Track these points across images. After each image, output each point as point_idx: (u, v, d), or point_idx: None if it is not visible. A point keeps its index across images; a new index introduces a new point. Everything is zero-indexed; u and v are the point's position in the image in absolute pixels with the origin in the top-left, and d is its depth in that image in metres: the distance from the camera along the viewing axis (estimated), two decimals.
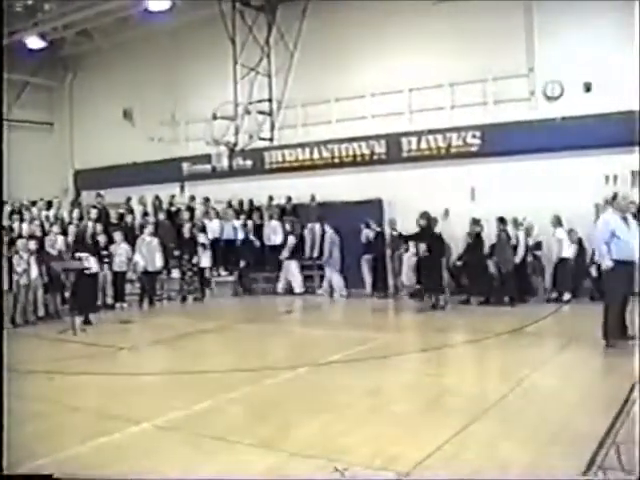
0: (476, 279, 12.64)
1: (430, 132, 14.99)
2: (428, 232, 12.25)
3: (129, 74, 19.22)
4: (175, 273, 14.65)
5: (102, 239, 13.21)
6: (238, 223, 15.71)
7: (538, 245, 13.03)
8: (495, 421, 5.18)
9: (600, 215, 9.43)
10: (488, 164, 14.09)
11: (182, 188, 18.00)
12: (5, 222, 13.17)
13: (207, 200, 16.65)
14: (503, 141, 13.86)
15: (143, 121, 19.31)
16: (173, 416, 5.50)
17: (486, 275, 12.53)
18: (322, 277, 15.19)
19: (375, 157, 15.80)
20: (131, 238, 13.87)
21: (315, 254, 15.23)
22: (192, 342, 9.73)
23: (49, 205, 15.56)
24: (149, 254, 13.61)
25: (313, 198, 15.95)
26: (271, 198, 16.48)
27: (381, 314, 12.69)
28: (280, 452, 4.57)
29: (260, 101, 16.41)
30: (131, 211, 15.80)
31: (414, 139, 15.23)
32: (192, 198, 17.03)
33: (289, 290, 15.25)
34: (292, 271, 15.24)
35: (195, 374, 7.27)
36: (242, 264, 15.41)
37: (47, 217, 14.80)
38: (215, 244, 15.39)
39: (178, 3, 16.18)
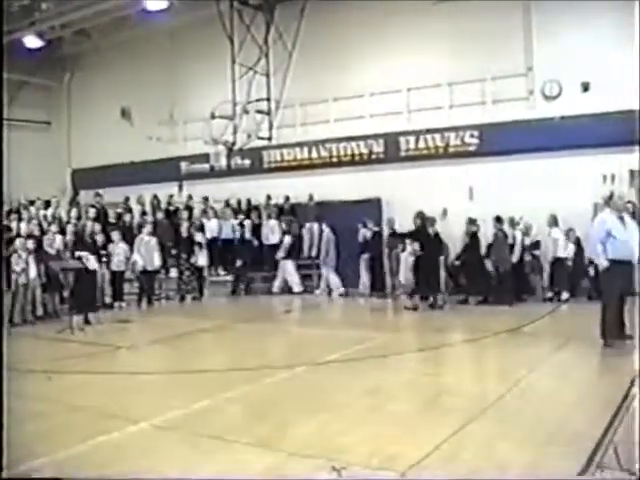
0: (474, 279, 12.66)
1: (428, 131, 14.99)
2: (423, 231, 12.25)
3: (127, 73, 19.21)
4: (173, 272, 14.66)
5: (100, 238, 13.17)
6: (236, 222, 15.71)
7: (536, 244, 13.04)
8: (493, 420, 5.19)
9: (598, 214, 9.44)
10: (486, 163, 14.11)
11: (180, 187, 18.03)
12: (3, 221, 13.17)
13: (205, 199, 16.68)
14: (501, 141, 13.88)
15: (141, 120, 19.32)
16: (171, 415, 5.50)
17: (484, 275, 12.54)
18: (320, 276, 15.21)
19: (373, 156, 15.80)
20: (129, 237, 13.87)
21: (313, 253, 15.25)
22: (190, 341, 9.74)
23: (47, 204, 15.60)
24: (147, 253, 13.60)
25: (311, 197, 15.94)
26: (269, 197, 16.47)
27: (379, 313, 12.68)
28: (278, 451, 4.57)
29: (258, 100, 16.39)
30: (129, 210, 15.81)
31: (412, 138, 15.24)
32: (190, 197, 17.05)
33: (287, 289, 15.25)
34: (289, 271, 15.24)
35: (193, 373, 7.27)
36: (240, 263, 15.40)
37: (45, 216, 14.83)
38: (213, 243, 15.39)
39: (176, 3, 16.19)
